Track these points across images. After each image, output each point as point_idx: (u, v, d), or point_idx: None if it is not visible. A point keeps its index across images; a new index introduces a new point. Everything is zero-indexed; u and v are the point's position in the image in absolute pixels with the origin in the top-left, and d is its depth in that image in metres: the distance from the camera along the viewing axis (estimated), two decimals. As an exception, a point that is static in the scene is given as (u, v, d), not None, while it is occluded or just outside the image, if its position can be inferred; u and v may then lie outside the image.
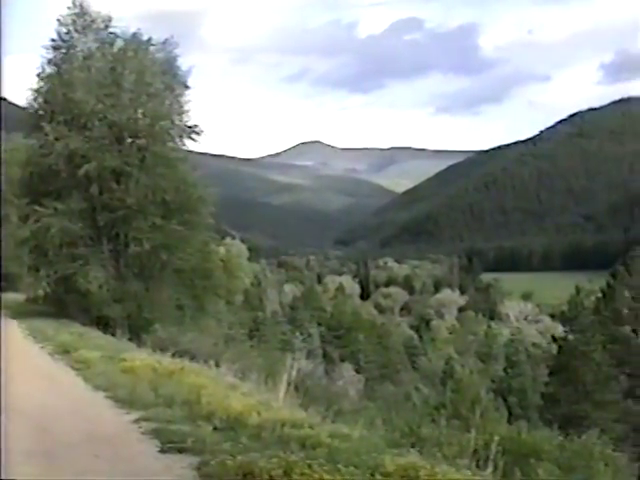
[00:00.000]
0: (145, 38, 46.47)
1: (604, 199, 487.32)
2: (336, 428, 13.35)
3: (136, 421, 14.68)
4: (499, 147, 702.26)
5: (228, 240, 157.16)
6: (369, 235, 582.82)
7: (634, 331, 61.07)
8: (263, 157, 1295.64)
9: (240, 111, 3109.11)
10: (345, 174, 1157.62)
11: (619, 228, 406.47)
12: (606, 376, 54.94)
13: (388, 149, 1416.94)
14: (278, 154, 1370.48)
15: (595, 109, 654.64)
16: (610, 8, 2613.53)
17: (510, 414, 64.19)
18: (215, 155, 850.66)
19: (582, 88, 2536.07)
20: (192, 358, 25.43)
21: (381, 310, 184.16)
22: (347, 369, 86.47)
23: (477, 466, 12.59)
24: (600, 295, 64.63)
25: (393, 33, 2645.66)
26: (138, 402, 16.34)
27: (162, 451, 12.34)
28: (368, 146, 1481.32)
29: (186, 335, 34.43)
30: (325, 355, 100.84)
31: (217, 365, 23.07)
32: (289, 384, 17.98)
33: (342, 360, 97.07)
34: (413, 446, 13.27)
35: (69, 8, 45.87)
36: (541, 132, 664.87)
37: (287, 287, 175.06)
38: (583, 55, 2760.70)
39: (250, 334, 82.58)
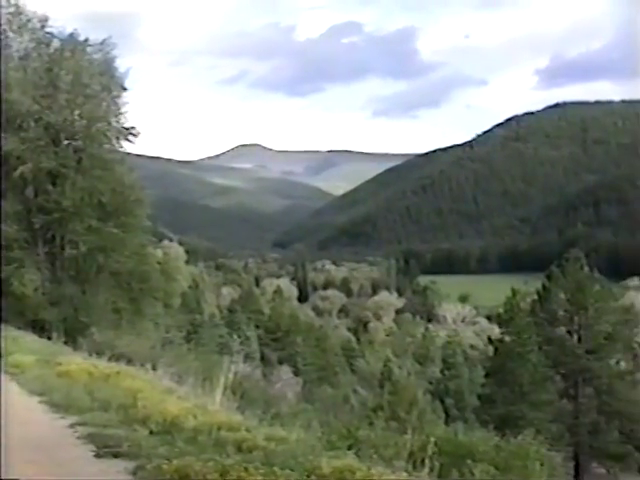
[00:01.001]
0: (82, 39, 45.97)
1: (540, 202, 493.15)
2: (273, 431, 13.30)
3: (71, 426, 14.50)
4: (436, 150, 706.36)
5: (166, 243, 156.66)
6: (307, 238, 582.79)
7: (569, 332, 61.73)
8: (202, 159, 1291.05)
9: (178, 113, 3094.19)
10: (283, 177, 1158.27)
11: (554, 230, 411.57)
12: (542, 377, 55.46)
13: (326, 152, 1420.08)
14: (217, 156, 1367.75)
15: (531, 113, 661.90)
16: (545, 14, 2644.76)
17: (447, 415, 64.70)
18: (153, 157, 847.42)
19: (518, 92, 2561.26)
20: (129, 362, 25.24)
21: (319, 312, 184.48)
22: (285, 372, 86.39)
23: (414, 467, 12.65)
24: (536, 297, 65.19)
25: (331, 36, 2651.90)
26: (74, 406, 16.16)
27: (98, 456, 12.20)
28: (306, 149, 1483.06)
29: (123, 338, 34.15)
30: (263, 358, 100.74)
31: (154, 369, 22.95)
32: (226, 387, 17.90)
33: (280, 363, 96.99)
34: (350, 448, 13.28)
35: (4, 7, 45.24)
36: (478, 136, 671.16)
37: (225, 290, 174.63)
38: (519, 60, 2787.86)
39: (188, 337, 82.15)
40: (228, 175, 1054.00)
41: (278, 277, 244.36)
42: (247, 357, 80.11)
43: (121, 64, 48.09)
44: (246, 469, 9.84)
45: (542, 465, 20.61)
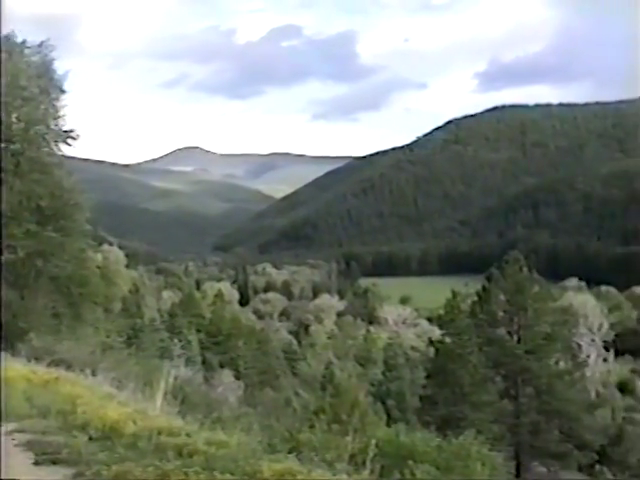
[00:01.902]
0: (19, 40, 45.40)
1: (479, 204, 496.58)
2: (213, 435, 13.23)
3: (9, 433, 14.32)
4: (377, 153, 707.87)
5: (106, 247, 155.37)
6: (248, 241, 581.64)
7: (509, 333, 62.19)
8: (141, 163, 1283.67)
9: (118, 116, 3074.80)
10: (224, 180, 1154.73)
11: (494, 232, 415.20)
12: (482, 378, 55.81)
13: (267, 155, 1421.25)
14: (157, 160, 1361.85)
15: (471, 116, 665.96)
16: (483, 18, 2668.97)
17: (389, 417, 64.79)
18: (92, 160, 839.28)
19: (458, 96, 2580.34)
20: (68, 367, 24.99)
21: (260, 316, 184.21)
22: (227, 375, 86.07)
23: (355, 469, 12.65)
24: (476, 298, 65.55)
25: (271, 40, 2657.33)
26: (12, 413, 15.94)
27: (36, 463, 12.06)
28: (247, 152, 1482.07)
29: (62, 344, 33.77)
30: (204, 362, 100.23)
31: (94, 374, 22.73)
32: (167, 392, 17.79)
33: (221, 366, 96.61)
34: (291, 451, 13.28)
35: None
36: (418, 138, 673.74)
37: (165, 294, 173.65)
38: (458, 63, 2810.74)
39: (128, 342, 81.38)
40: (168, 178, 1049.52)
41: (219, 281, 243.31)
42: (188, 361, 79.65)
43: (60, 66, 47.35)
44: (186, 474, 9.80)
45: (483, 465, 20.79)
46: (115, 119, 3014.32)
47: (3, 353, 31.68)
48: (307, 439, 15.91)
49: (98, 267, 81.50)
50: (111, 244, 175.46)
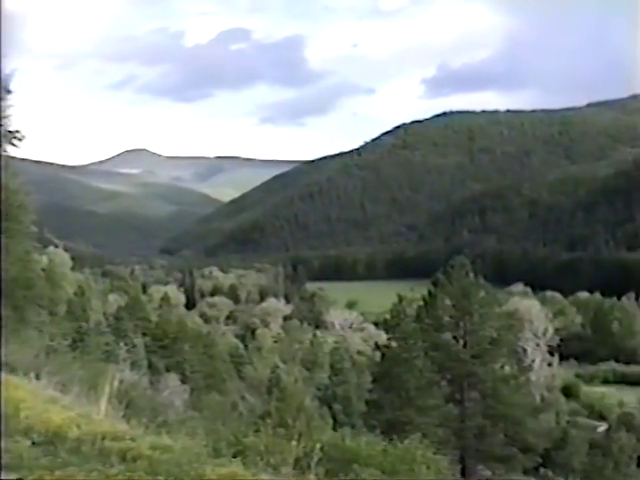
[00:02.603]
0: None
1: (426, 209, 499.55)
2: (158, 439, 13.12)
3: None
4: (324, 157, 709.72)
5: (51, 249, 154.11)
6: (194, 244, 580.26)
7: (454, 338, 62.44)
8: (88, 164, 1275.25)
9: (65, 117, 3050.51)
10: (171, 182, 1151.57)
11: (441, 237, 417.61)
12: (428, 382, 55.94)
13: (214, 158, 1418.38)
14: (103, 162, 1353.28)
15: (418, 122, 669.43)
16: (432, 25, 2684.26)
17: (335, 421, 64.91)
18: (39, 162, 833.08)
19: (405, 101, 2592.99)
20: (12, 371, 24.70)
21: (207, 319, 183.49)
22: (172, 379, 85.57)
23: (300, 473, 12.64)
24: (422, 303, 65.76)
25: (220, 43, 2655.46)
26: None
27: (-23, 468, 11.90)
28: (194, 155, 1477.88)
29: (5, 347, 33.40)
30: (150, 365, 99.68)
31: (38, 378, 22.48)
32: (111, 396, 17.63)
33: (167, 370, 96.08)
34: (237, 456, 13.22)
35: None
36: (366, 143, 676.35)
37: (111, 297, 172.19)
38: (406, 69, 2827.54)
39: (73, 345, 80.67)
40: (115, 180, 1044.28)
41: (165, 284, 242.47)
42: (134, 365, 79.15)
43: (6, 66, 46.89)
44: (130, 478, 9.71)
45: (428, 468, 20.84)
46: (62, 120, 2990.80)
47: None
48: (252, 443, 15.83)
49: (43, 269, 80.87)
50: (57, 246, 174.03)
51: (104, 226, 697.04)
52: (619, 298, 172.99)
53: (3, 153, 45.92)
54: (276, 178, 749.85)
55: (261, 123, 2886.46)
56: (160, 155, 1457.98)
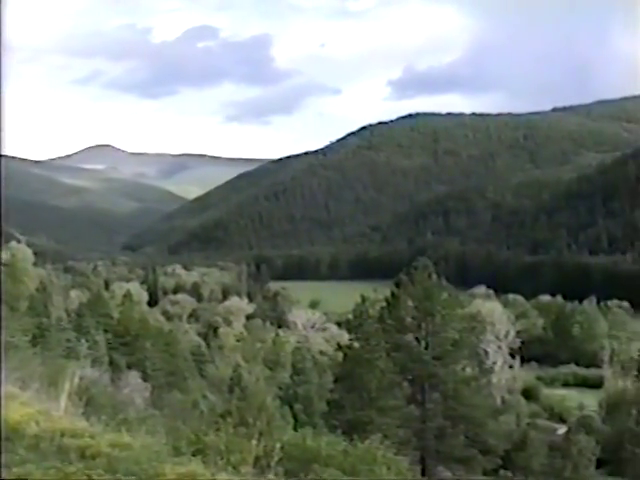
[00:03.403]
0: None
1: (390, 210, 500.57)
2: (118, 437, 13.02)
3: None
4: (289, 157, 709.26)
5: (13, 244, 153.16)
6: (158, 241, 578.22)
7: (417, 339, 62.55)
8: (52, 159, 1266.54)
9: (29, 112, 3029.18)
10: (135, 179, 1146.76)
11: (404, 239, 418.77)
12: (389, 383, 56.01)
13: (179, 155, 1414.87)
14: (68, 157, 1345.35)
15: (384, 123, 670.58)
16: (399, 27, 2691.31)
17: (296, 421, 64.82)
18: (2, 156, 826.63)
19: (371, 102, 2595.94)
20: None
21: (169, 317, 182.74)
22: (133, 377, 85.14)
23: (260, 472, 12.61)
24: (384, 304, 65.80)
25: (187, 40, 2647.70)
26: None
27: None
28: (159, 151, 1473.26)
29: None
30: (111, 362, 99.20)
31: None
32: (71, 392, 17.49)
33: (129, 367, 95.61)
34: (196, 454, 13.15)
35: None
36: (331, 143, 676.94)
37: (73, 293, 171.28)
38: (373, 70, 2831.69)
39: (34, 341, 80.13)
40: (79, 176, 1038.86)
41: (128, 281, 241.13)
42: (95, 362, 78.82)
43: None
44: (89, 476, 9.63)
45: (389, 469, 20.84)
46: (27, 114, 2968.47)
47: None
48: (213, 442, 15.76)
49: (5, 264, 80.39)
50: (19, 241, 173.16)
51: (67, 222, 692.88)
52: (580, 302, 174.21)
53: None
54: (241, 177, 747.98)
55: (226, 121, 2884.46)
56: (125, 151, 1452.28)
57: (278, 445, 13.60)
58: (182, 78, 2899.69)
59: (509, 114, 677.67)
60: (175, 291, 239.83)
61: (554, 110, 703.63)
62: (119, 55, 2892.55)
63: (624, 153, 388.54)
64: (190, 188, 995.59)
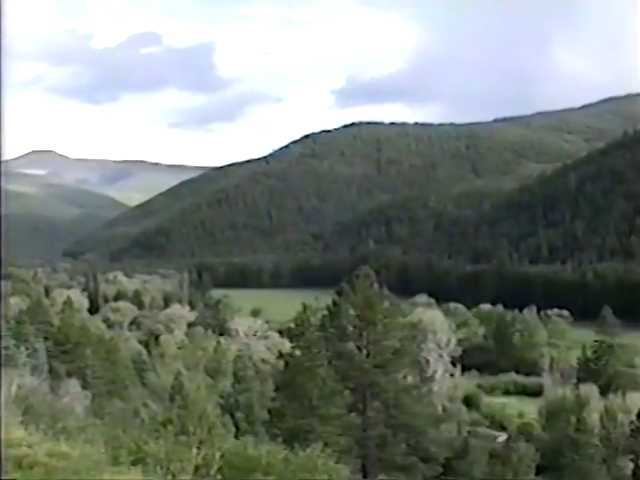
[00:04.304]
0: None
1: (333, 219, 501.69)
2: (56, 446, 12.89)
3: None
4: (232, 164, 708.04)
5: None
6: (99, 248, 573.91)
7: (358, 347, 62.69)
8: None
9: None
10: (77, 185, 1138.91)
11: (346, 247, 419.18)
12: (331, 391, 56.03)
13: (121, 162, 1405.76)
14: (9, 162, 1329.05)
15: (327, 131, 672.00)
16: (342, 36, 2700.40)
17: (237, 429, 64.59)
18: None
19: (315, 111, 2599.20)
20: None
21: (110, 325, 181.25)
22: (73, 385, 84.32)
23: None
24: (326, 312, 65.90)
25: (130, 46, 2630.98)
26: None
27: None
28: (101, 158, 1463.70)
29: None
30: (51, 370, 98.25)
31: None
32: (10, 401, 17.30)
33: (69, 375, 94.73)
34: (136, 463, 13.06)
35: None
36: (274, 151, 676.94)
37: (13, 300, 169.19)
38: (316, 79, 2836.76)
39: (-29, 349, 79.33)
40: (20, 181, 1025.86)
41: (68, 288, 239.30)
42: (34, 370, 77.98)
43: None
44: (26, 486, 9.52)
45: (330, 477, 20.86)
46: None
47: None
48: (153, 451, 15.66)
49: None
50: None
51: (8, 227, 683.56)
52: (521, 310, 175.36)
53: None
54: (183, 184, 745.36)
55: (169, 128, 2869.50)
56: (67, 157, 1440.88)
57: (218, 454, 13.57)
58: (125, 84, 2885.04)
59: (451, 124, 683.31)
60: (116, 298, 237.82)
61: (496, 121, 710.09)
62: (61, 60, 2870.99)
63: (565, 164, 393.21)
64: (132, 195, 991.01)
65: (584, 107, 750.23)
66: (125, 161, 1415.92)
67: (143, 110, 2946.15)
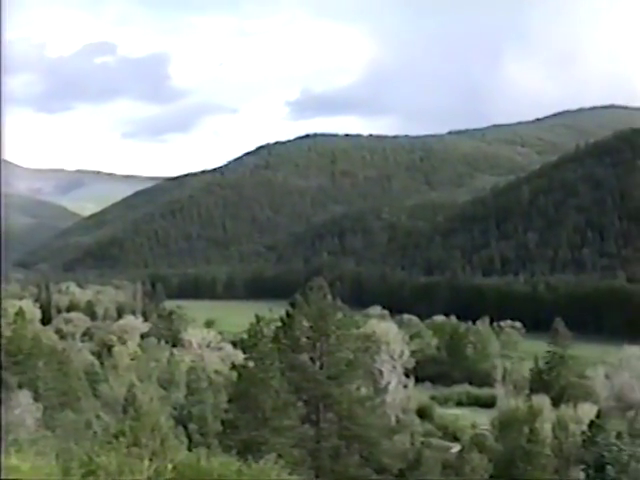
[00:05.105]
0: None
1: (287, 230, 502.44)
2: (6, 460, 12.81)
3: None
4: (187, 175, 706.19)
5: None
6: (52, 258, 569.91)
7: (312, 359, 62.71)
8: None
9: None
10: (30, 194, 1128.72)
11: (300, 258, 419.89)
12: (284, 402, 55.97)
13: (75, 171, 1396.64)
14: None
15: (282, 143, 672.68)
16: (297, 48, 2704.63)
17: (190, 441, 64.43)
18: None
19: (269, 122, 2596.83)
20: None
21: (62, 336, 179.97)
22: (25, 396, 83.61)
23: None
24: (280, 324, 65.87)
25: (84, 55, 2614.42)
26: None
27: None
28: (54, 167, 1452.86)
29: None
30: (1, 382, 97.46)
31: None
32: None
33: (20, 387, 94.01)
34: (87, 475, 13.03)
35: None
36: (229, 162, 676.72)
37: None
38: (270, 90, 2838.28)
39: None
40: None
41: (20, 298, 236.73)
42: (-16, 381, 77.32)
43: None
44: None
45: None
46: None
47: None
48: (105, 463, 15.62)
49: None
50: None
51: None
52: (474, 322, 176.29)
53: None
54: (137, 194, 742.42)
55: (123, 138, 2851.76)
56: (20, 166, 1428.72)
57: (170, 465, 13.57)
58: (78, 94, 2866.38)
59: (406, 136, 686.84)
60: (69, 309, 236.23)
61: (450, 133, 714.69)
62: (14, 68, 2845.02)
63: (517, 177, 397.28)
64: (86, 205, 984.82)
65: (537, 120, 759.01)
66: (79, 171, 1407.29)
67: (97, 120, 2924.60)
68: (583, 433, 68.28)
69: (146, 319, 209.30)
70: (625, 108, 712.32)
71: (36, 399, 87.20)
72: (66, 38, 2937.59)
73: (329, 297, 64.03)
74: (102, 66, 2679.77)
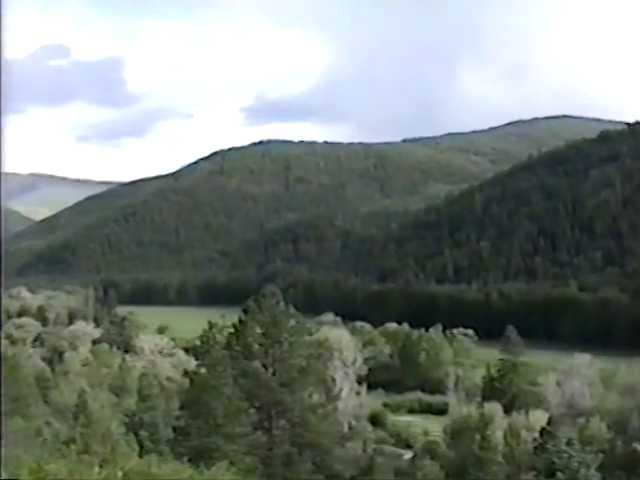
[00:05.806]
0: None
1: (240, 236, 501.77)
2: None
3: None
4: (140, 180, 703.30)
5: None
6: (3, 262, 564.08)
7: (264, 366, 62.69)
8: None
9: None
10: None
11: (254, 265, 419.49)
12: (236, 409, 55.90)
13: (27, 175, 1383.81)
14: None
15: (236, 149, 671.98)
16: (252, 54, 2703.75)
17: (141, 448, 64.02)
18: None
19: (223, 128, 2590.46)
20: None
21: (13, 341, 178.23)
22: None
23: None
24: (232, 330, 65.76)
25: (38, 58, 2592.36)
26: None
27: None
28: (7, 171, 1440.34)
29: None
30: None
31: None
32: None
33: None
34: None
35: None
36: (182, 168, 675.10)
37: None
38: (225, 96, 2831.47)
39: None
40: None
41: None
42: None
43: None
44: None
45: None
46: None
47: None
48: (54, 470, 15.47)
49: None
50: None
51: None
52: (427, 329, 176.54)
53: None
54: (90, 199, 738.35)
55: (77, 142, 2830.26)
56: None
57: (120, 473, 13.47)
58: (31, 96, 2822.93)
59: (360, 144, 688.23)
60: (20, 314, 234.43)
61: (404, 141, 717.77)
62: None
63: (471, 185, 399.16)
64: (38, 209, 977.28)
65: (491, 129, 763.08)
66: (31, 174, 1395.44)
67: (51, 123, 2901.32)
68: (534, 440, 68.70)
69: (98, 325, 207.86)
70: (578, 118, 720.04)
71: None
72: (21, 40, 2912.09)
73: (282, 304, 64.15)
74: (57, 69, 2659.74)
